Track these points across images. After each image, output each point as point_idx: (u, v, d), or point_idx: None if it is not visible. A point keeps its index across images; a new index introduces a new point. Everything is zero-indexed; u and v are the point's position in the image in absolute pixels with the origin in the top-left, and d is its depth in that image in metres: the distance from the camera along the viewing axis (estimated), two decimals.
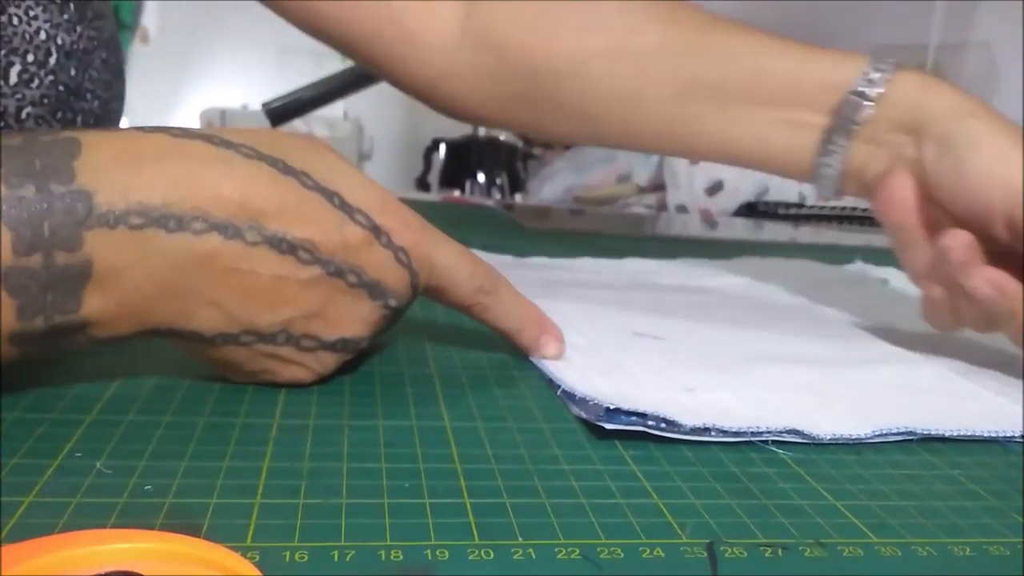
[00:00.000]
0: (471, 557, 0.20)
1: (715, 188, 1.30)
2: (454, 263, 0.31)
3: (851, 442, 0.29)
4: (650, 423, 0.27)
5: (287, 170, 0.27)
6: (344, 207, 0.28)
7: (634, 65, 0.41)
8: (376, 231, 0.28)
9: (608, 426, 0.27)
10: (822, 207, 1.23)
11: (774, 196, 1.30)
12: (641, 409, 0.28)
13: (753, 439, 0.28)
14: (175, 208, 0.25)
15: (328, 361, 0.29)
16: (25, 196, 0.23)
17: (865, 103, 0.37)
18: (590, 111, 0.43)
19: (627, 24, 0.42)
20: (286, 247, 0.27)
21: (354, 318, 0.29)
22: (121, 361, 0.31)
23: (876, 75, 0.37)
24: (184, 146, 0.26)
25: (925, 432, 0.29)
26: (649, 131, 0.42)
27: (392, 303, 0.29)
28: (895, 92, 0.37)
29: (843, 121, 0.38)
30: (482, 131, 1.74)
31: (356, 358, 0.32)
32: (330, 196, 0.28)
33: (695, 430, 0.28)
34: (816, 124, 0.39)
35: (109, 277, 0.25)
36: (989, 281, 0.34)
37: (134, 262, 0.25)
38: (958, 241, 0.35)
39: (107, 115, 0.43)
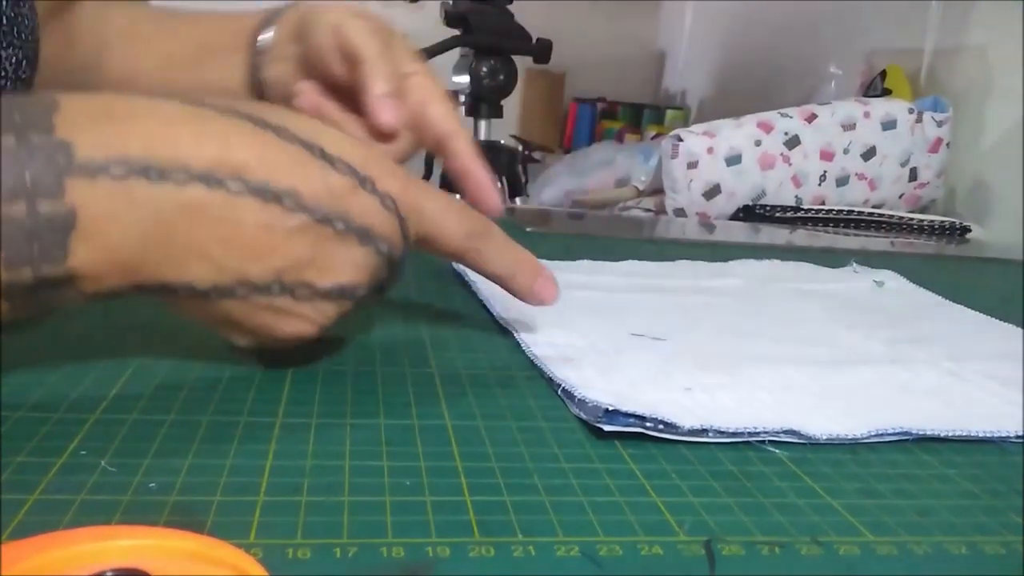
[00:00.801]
0: (472, 554, 0.20)
1: (712, 192, 1.30)
2: (442, 209, 0.32)
3: (847, 442, 0.29)
4: (648, 425, 0.28)
5: (264, 124, 0.28)
6: (325, 156, 0.28)
7: (134, 55, 0.50)
8: (360, 179, 0.29)
9: (607, 427, 0.27)
10: (818, 210, 1.23)
11: (771, 200, 1.31)
12: (640, 411, 0.28)
13: (750, 439, 0.28)
14: (156, 160, 0.25)
15: (328, 311, 0.29)
16: (6, 146, 0.23)
17: (264, 32, 0.45)
18: (114, 83, 0.50)
19: (131, 26, 0.51)
20: (270, 196, 0.27)
21: (347, 264, 0.29)
22: (126, 360, 0.31)
23: (281, 8, 0.46)
24: (161, 106, 0.27)
25: (921, 432, 0.30)
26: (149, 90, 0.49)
27: (383, 248, 0.29)
28: (289, 15, 0.45)
29: (252, 47, 0.45)
30: (483, 135, 1.74)
31: (356, 356, 0.32)
32: (310, 147, 0.28)
33: (693, 431, 0.28)
34: (243, 57, 0.45)
35: (94, 227, 0.24)
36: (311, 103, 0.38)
37: (118, 212, 0.25)
38: (302, 88, 0.39)
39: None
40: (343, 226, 0.28)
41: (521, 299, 0.35)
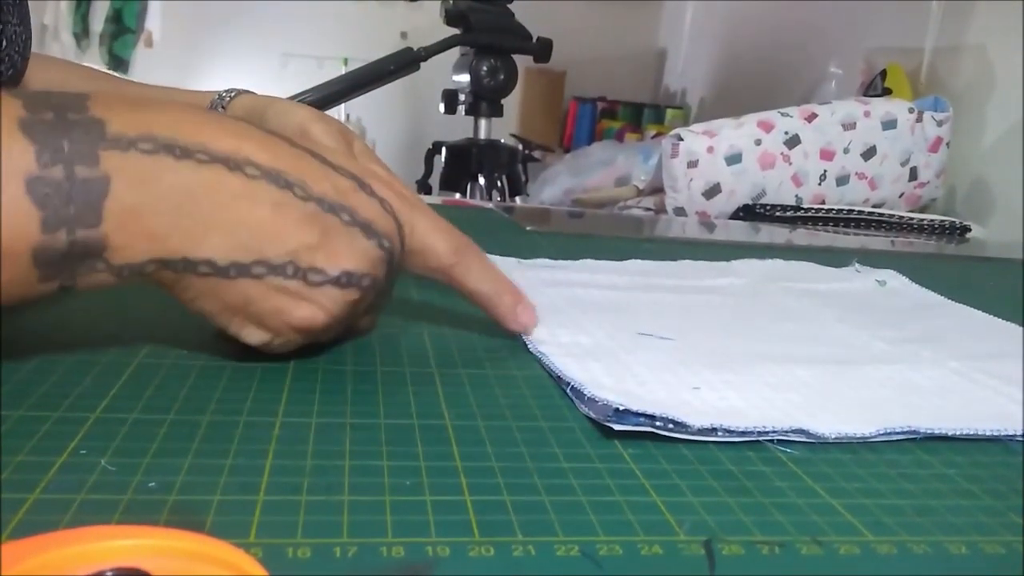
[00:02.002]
0: (471, 554, 0.20)
1: (712, 191, 1.30)
2: (432, 226, 0.33)
3: (856, 441, 0.29)
4: (658, 424, 0.27)
5: (273, 133, 0.30)
6: (328, 164, 0.31)
7: None
8: (361, 184, 0.31)
9: (617, 427, 0.27)
10: (818, 209, 1.23)
11: (771, 199, 1.31)
12: (649, 410, 0.28)
13: (759, 439, 0.28)
14: (180, 140, 0.27)
15: (336, 298, 0.30)
16: (45, 119, 0.25)
17: (217, 111, 0.50)
18: None
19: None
20: (283, 183, 0.29)
21: (354, 252, 0.30)
22: (126, 359, 0.31)
23: (226, 94, 0.52)
24: (182, 106, 0.29)
25: (929, 431, 0.30)
26: None
27: (386, 243, 0.31)
28: (240, 101, 0.52)
29: None
30: (483, 135, 1.74)
31: (355, 356, 0.32)
32: (314, 155, 0.31)
33: (702, 431, 0.28)
34: None
35: (125, 193, 0.26)
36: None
37: (147, 183, 0.26)
38: None
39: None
40: (348, 218, 0.30)
41: (502, 322, 0.36)
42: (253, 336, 0.30)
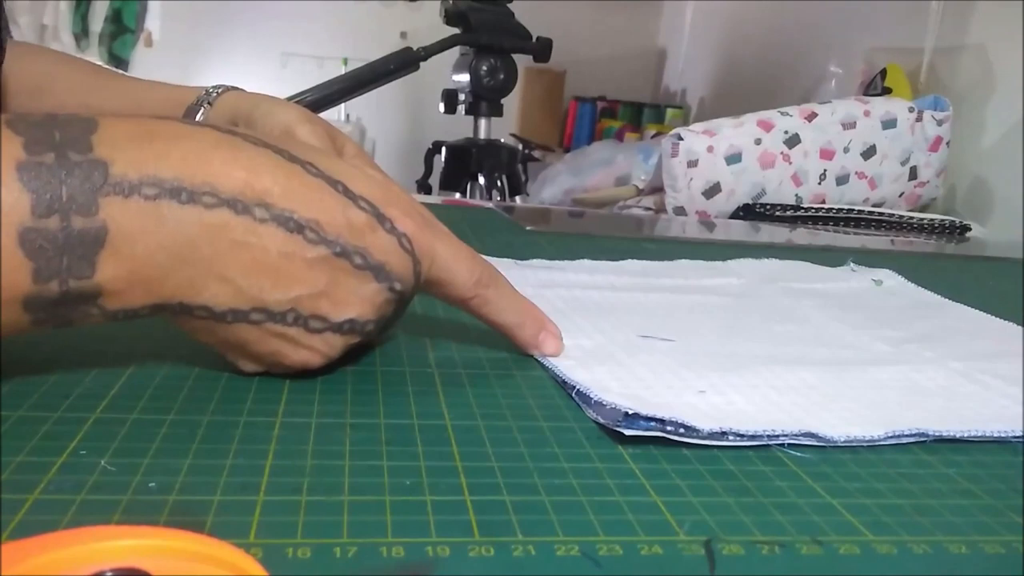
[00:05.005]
0: (471, 554, 0.20)
1: (712, 190, 1.30)
2: (454, 255, 0.32)
3: (865, 444, 0.29)
4: (668, 429, 0.27)
5: (292, 158, 0.28)
6: (348, 194, 0.29)
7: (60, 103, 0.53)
8: (380, 217, 0.29)
9: (628, 432, 0.27)
10: (817, 209, 1.23)
11: (771, 198, 1.31)
12: (659, 415, 0.28)
13: (769, 443, 0.28)
14: (187, 182, 0.26)
15: (336, 344, 0.30)
16: (45, 163, 0.24)
17: (202, 107, 0.50)
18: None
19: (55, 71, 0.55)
20: (293, 226, 0.27)
21: (360, 299, 0.29)
22: (126, 359, 0.31)
23: (213, 90, 0.51)
24: (195, 131, 0.28)
25: (937, 434, 0.30)
26: None
27: (397, 287, 0.30)
28: (226, 99, 0.50)
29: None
30: (483, 134, 1.74)
31: (359, 351, 0.32)
32: (334, 184, 0.29)
33: (712, 434, 0.28)
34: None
35: (123, 244, 0.25)
36: None
37: (147, 231, 0.25)
38: None
39: None
40: (361, 261, 0.29)
41: (524, 349, 0.35)
42: (249, 367, 0.30)
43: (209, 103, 0.50)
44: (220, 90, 0.51)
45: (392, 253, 0.29)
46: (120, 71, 0.56)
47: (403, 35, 3.34)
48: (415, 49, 1.41)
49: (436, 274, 0.31)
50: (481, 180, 1.71)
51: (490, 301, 0.33)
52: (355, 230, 0.28)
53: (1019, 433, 0.30)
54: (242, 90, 0.52)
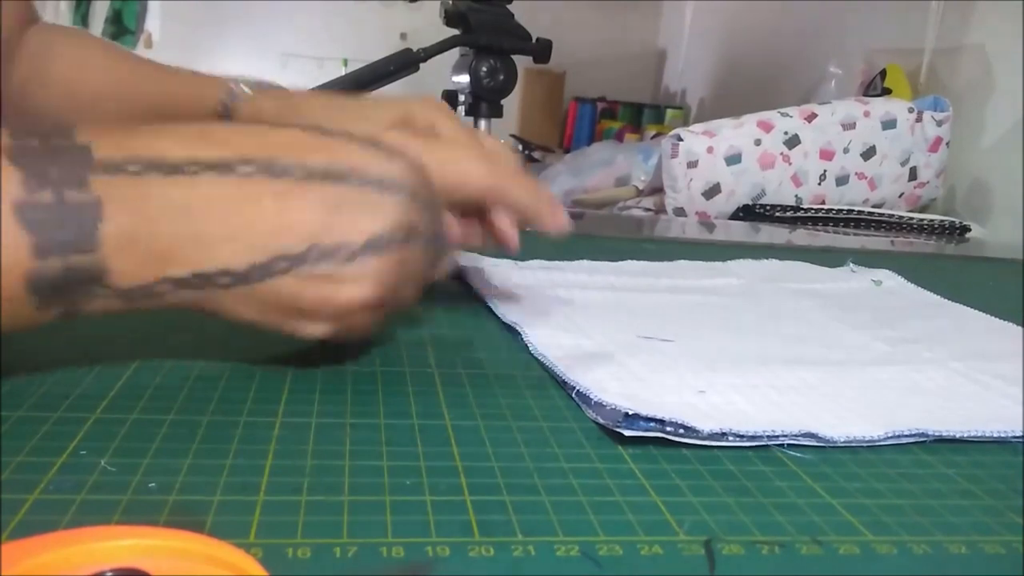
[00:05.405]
0: (471, 554, 0.20)
1: (712, 191, 1.30)
2: (463, 155, 0.34)
3: (865, 444, 0.29)
4: (668, 429, 0.27)
5: (257, 122, 0.30)
6: (324, 133, 0.30)
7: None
8: (369, 142, 0.30)
9: (628, 432, 0.27)
10: (817, 209, 1.23)
11: (771, 199, 1.31)
12: (659, 415, 0.28)
13: (769, 443, 0.28)
14: (168, 157, 0.26)
15: (377, 266, 0.28)
16: (31, 144, 0.25)
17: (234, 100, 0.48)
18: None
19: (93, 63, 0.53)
20: (279, 169, 0.28)
21: (375, 213, 0.29)
22: (126, 359, 0.31)
23: (238, 90, 0.49)
24: (174, 126, 0.28)
25: (937, 434, 0.30)
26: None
27: (408, 190, 0.29)
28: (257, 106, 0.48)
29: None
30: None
31: (358, 352, 0.32)
32: (306, 129, 0.30)
33: (712, 435, 0.28)
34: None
35: (121, 218, 0.25)
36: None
37: (140, 204, 0.26)
38: None
39: None
40: (358, 180, 0.29)
41: (540, 228, 0.37)
42: (314, 330, 0.29)
43: (230, 113, 0.47)
44: (248, 90, 0.48)
45: (387, 164, 0.30)
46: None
47: (403, 36, 3.34)
48: (415, 50, 1.41)
49: (450, 176, 0.33)
50: None
51: (510, 189, 0.35)
52: (342, 155, 0.29)
53: (1019, 433, 0.30)
54: (281, 91, 0.49)
